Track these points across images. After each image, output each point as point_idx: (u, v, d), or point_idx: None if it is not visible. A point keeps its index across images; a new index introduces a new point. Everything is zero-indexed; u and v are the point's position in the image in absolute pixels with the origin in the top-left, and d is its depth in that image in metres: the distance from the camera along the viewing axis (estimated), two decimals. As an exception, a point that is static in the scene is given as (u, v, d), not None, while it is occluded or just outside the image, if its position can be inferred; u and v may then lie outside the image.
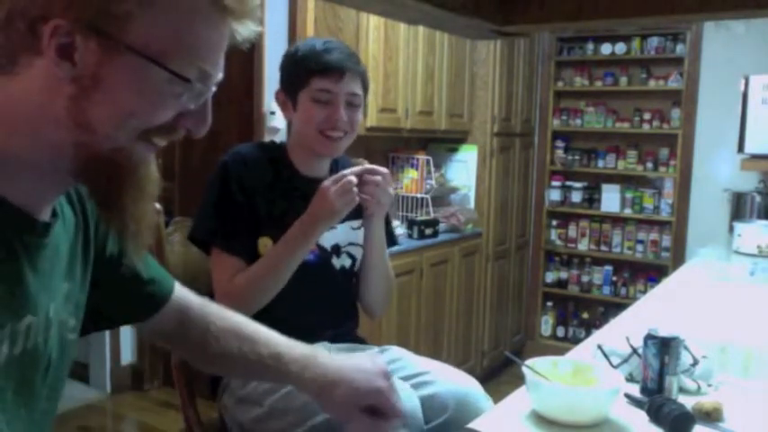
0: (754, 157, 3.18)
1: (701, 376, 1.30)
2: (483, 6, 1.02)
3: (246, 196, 1.52)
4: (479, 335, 3.91)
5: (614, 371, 1.28)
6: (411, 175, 3.62)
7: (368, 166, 1.57)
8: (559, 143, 4.53)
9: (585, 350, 1.45)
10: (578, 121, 4.46)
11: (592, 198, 4.46)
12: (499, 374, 4.00)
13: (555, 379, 1.17)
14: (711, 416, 1.15)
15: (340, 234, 1.63)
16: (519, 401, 1.19)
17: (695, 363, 1.31)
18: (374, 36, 3.05)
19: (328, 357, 1.02)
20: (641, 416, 1.15)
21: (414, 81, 3.35)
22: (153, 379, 3.50)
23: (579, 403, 1.12)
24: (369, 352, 1.48)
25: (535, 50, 4.37)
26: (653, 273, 4.29)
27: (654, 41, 4.18)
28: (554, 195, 4.55)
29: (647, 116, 4.22)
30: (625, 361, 1.34)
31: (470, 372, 1.66)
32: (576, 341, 3.05)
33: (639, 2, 1.00)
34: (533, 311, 4.63)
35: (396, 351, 1.61)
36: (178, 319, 1.02)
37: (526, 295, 4.57)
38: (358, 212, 1.59)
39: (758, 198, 3.33)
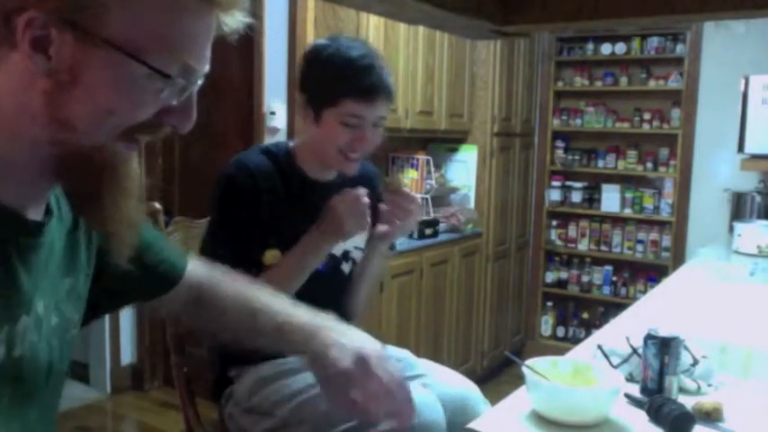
0: (754, 157, 3.18)
1: (700, 376, 1.30)
2: (483, 6, 1.02)
3: (255, 211, 1.47)
4: (479, 335, 3.90)
5: (614, 371, 1.28)
6: (411, 175, 3.62)
7: (405, 190, 1.53)
8: (559, 143, 4.52)
9: (585, 350, 1.45)
10: (578, 121, 4.45)
11: (592, 198, 4.46)
12: (499, 374, 3.99)
13: (555, 379, 1.17)
14: (711, 416, 1.15)
15: (349, 240, 1.60)
16: (519, 401, 1.19)
17: (695, 363, 1.31)
18: (374, 36, 3.04)
19: (335, 329, 0.98)
20: (641, 416, 1.15)
21: (414, 81, 3.35)
22: (153, 379, 3.49)
23: (579, 403, 1.12)
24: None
25: (535, 50, 4.37)
26: (653, 273, 4.28)
27: (654, 41, 4.17)
28: (554, 195, 4.54)
29: (647, 116, 4.22)
30: (625, 361, 1.34)
31: (470, 372, 1.66)
32: (576, 341, 3.04)
33: (639, 2, 1.00)
34: (533, 311, 4.63)
35: (394, 352, 1.60)
36: (189, 296, 1.01)
37: (526, 295, 4.57)
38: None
39: (758, 198, 3.33)
